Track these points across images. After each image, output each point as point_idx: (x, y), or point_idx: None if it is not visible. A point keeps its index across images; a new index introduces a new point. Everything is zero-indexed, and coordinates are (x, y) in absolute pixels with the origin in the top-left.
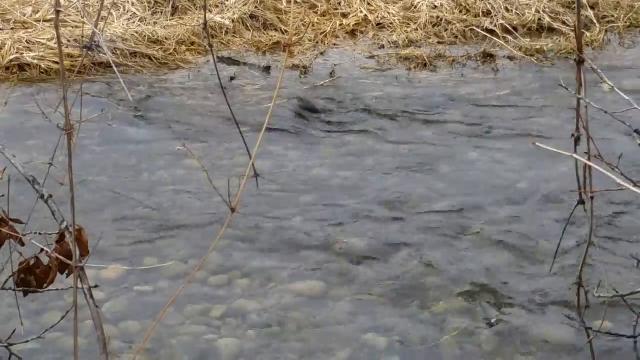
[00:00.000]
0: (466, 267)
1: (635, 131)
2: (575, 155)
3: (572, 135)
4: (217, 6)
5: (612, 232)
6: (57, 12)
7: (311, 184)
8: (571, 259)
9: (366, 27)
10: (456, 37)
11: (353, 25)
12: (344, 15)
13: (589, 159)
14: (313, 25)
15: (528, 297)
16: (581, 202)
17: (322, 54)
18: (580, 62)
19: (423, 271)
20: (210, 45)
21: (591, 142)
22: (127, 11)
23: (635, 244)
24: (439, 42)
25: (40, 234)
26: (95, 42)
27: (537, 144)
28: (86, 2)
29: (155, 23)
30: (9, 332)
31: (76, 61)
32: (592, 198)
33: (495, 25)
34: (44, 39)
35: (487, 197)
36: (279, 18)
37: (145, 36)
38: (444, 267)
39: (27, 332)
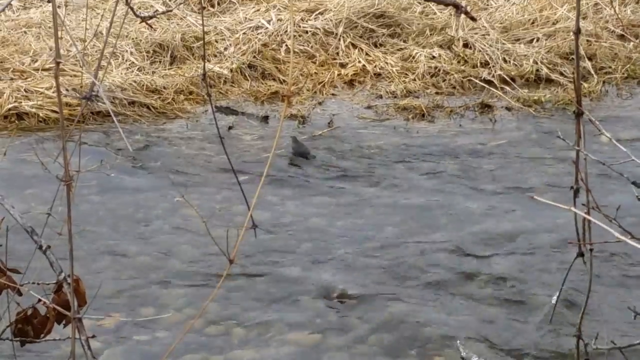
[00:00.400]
0: (463, 318)
1: (633, 183)
2: (573, 209)
3: (571, 187)
4: (216, 56)
5: (611, 284)
6: (57, 64)
7: (308, 234)
8: (570, 310)
9: (364, 77)
10: (454, 87)
11: (351, 75)
12: (342, 65)
13: (587, 212)
14: (311, 75)
15: (526, 349)
16: (580, 254)
17: (320, 103)
18: (578, 114)
19: (420, 322)
20: (209, 95)
21: (590, 194)
22: (126, 60)
23: (634, 295)
24: (436, 93)
25: (37, 283)
26: (94, 92)
27: (535, 196)
28: (85, 52)
29: (153, 72)
30: None
31: (74, 110)
32: (591, 250)
33: (493, 76)
34: (42, 87)
35: (485, 248)
36: (277, 68)
37: (143, 85)
38: (441, 318)
39: None
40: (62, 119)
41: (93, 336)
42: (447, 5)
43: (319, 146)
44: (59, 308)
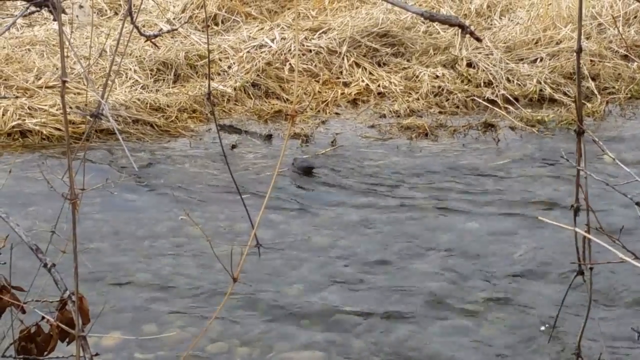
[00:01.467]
0: (465, 338)
1: (637, 204)
2: (577, 229)
3: (572, 206)
4: (219, 74)
5: (612, 303)
6: (63, 82)
7: (311, 253)
8: (570, 329)
9: (368, 96)
10: (457, 107)
11: (355, 94)
12: (346, 84)
13: (588, 231)
14: (315, 94)
15: None
16: (580, 272)
17: (323, 122)
18: (580, 132)
19: (422, 341)
20: (213, 113)
21: (591, 213)
22: (130, 78)
23: (635, 315)
24: (440, 112)
25: (41, 301)
26: (100, 110)
27: (540, 217)
28: (89, 69)
29: (157, 90)
30: None
31: (78, 128)
32: (591, 269)
33: (497, 96)
34: (46, 105)
35: (486, 268)
36: (280, 86)
37: (147, 103)
38: (442, 338)
39: None
40: (68, 137)
41: (96, 354)
42: (452, 25)
43: (322, 165)
44: (62, 326)
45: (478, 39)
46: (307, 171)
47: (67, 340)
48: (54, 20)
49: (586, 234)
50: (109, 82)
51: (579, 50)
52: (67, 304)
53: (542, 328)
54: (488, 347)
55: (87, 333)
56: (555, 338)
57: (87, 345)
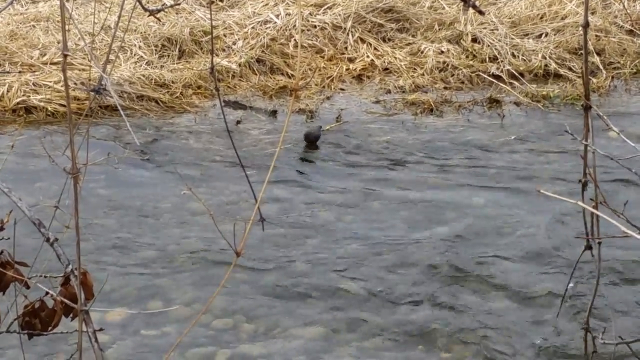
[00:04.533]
0: (472, 313)
1: None
2: (580, 203)
3: (579, 180)
4: (224, 50)
5: (620, 278)
6: (65, 56)
7: (316, 228)
8: (578, 304)
9: (373, 72)
10: (462, 82)
11: (360, 70)
12: (351, 60)
13: (595, 206)
14: (320, 70)
15: (535, 343)
16: (588, 247)
17: (328, 98)
18: (587, 108)
19: (428, 317)
20: (217, 89)
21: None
22: (134, 54)
23: None
24: (445, 88)
25: (45, 276)
26: (102, 85)
27: (542, 190)
28: (94, 46)
29: (162, 66)
30: None
31: (83, 104)
32: (599, 243)
33: (502, 71)
34: (50, 81)
35: (493, 243)
36: (285, 62)
37: (152, 79)
38: (449, 313)
39: None
40: (70, 112)
41: (101, 329)
42: None
43: (326, 140)
44: (66, 301)
45: (481, 12)
46: (314, 140)
47: (71, 315)
48: None
49: (594, 210)
50: (111, 58)
51: (586, 25)
52: (70, 279)
53: (551, 303)
54: (495, 322)
55: (89, 307)
56: (564, 313)
57: (89, 319)
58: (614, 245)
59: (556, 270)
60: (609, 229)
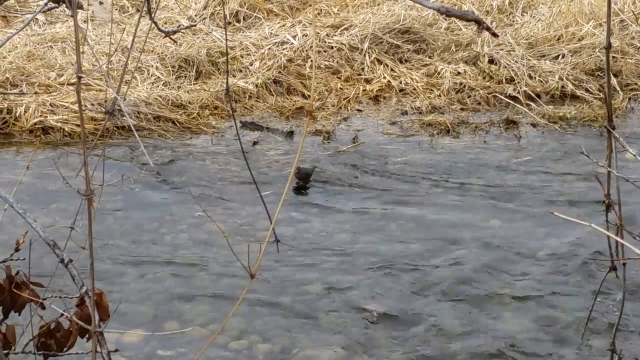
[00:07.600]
0: (492, 335)
1: None
2: (594, 226)
3: (603, 202)
4: (241, 71)
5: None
6: (79, 78)
7: (333, 250)
8: (601, 325)
9: (389, 92)
10: (479, 103)
11: (376, 91)
12: (367, 81)
13: (619, 228)
14: (336, 91)
15: None
16: (613, 268)
17: (345, 119)
18: (610, 129)
19: (446, 338)
20: (232, 110)
21: (617, 209)
22: (151, 75)
23: None
24: (462, 109)
25: (61, 297)
26: (117, 106)
27: (555, 213)
28: (111, 66)
29: (179, 87)
30: None
31: (100, 124)
32: (624, 264)
33: (519, 92)
34: (67, 102)
35: (510, 265)
36: (302, 83)
37: (168, 100)
38: (467, 335)
39: None
40: (84, 133)
41: (116, 350)
42: (468, 20)
43: (343, 162)
44: (79, 322)
45: (495, 34)
46: (307, 176)
47: (87, 336)
48: (71, 16)
49: (612, 235)
50: (127, 78)
51: (608, 47)
52: (85, 300)
53: (574, 324)
54: (517, 344)
55: (104, 328)
56: (588, 334)
57: (104, 340)
58: (633, 267)
59: (576, 291)
60: (627, 251)
